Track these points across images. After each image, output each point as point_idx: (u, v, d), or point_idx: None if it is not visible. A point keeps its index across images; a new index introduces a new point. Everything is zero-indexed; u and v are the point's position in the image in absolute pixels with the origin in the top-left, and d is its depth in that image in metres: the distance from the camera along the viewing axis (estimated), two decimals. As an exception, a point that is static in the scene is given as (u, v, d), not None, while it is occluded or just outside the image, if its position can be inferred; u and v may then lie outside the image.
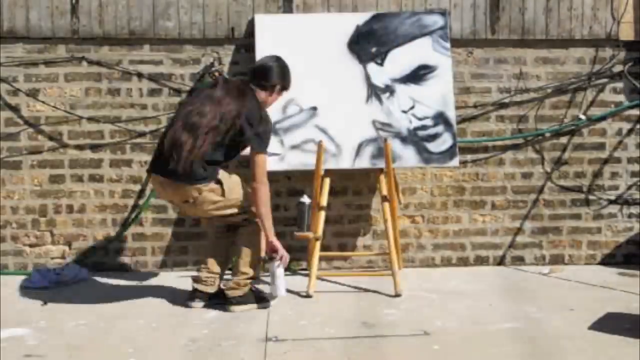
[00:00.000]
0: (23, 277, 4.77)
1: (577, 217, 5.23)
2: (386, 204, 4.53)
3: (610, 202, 5.24)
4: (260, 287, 4.37)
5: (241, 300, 4.12)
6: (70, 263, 4.92)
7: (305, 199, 4.35)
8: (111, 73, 4.98)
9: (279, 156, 4.62)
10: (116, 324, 3.86)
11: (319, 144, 4.56)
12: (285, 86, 4.24)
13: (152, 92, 5.00)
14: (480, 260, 5.19)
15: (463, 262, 5.18)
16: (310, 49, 4.80)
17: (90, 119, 4.98)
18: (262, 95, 4.13)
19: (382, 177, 4.61)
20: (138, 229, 5.03)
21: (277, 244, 4.08)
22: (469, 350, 3.47)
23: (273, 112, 4.71)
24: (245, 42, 4.98)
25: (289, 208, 5.05)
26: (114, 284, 4.70)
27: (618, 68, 5.19)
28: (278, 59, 4.22)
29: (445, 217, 5.17)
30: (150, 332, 3.74)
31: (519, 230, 5.20)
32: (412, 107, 4.78)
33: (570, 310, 4.09)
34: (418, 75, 4.82)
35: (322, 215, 4.55)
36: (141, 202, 5.01)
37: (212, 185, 4.00)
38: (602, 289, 4.57)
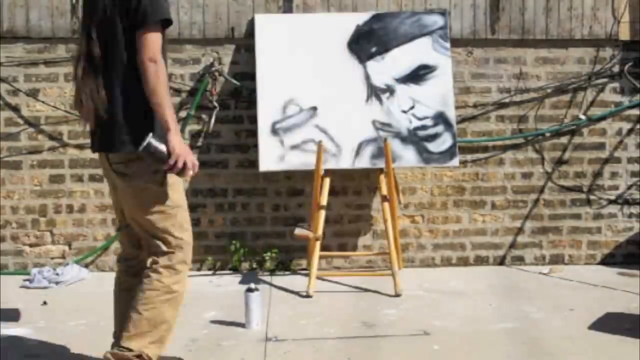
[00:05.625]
0: (23, 277, 4.77)
1: (577, 217, 5.23)
2: (386, 204, 4.53)
3: (610, 202, 5.24)
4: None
5: None
6: (70, 263, 4.92)
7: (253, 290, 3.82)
8: (111, 73, 4.98)
9: None
10: (116, 324, 3.85)
11: (319, 144, 4.56)
12: None
13: (152, 92, 4.99)
14: (480, 260, 5.19)
15: (463, 262, 5.18)
16: (310, 49, 4.79)
17: (90, 119, 4.98)
18: None
19: (382, 177, 4.61)
20: (138, 229, 5.02)
21: (177, 143, 2.83)
22: (469, 350, 3.47)
23: (273, 112, 4.72)
24: (245, 42, 4.98)
25: (289, 208, 5.05)
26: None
27: (618, 68, 5.19)
28: None
29: (445, 217, 5.17)
30: (150, 332, 3.73)
31: (519, 230, 5.20)
32: (412, 107, 4.78)
33: (570, 310, 4.09)
34: (418, 75, 4.82)
35: (322, 215, 4.55)
36: (141, 202, 5.00)
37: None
38: (602, 289, 4.57)
